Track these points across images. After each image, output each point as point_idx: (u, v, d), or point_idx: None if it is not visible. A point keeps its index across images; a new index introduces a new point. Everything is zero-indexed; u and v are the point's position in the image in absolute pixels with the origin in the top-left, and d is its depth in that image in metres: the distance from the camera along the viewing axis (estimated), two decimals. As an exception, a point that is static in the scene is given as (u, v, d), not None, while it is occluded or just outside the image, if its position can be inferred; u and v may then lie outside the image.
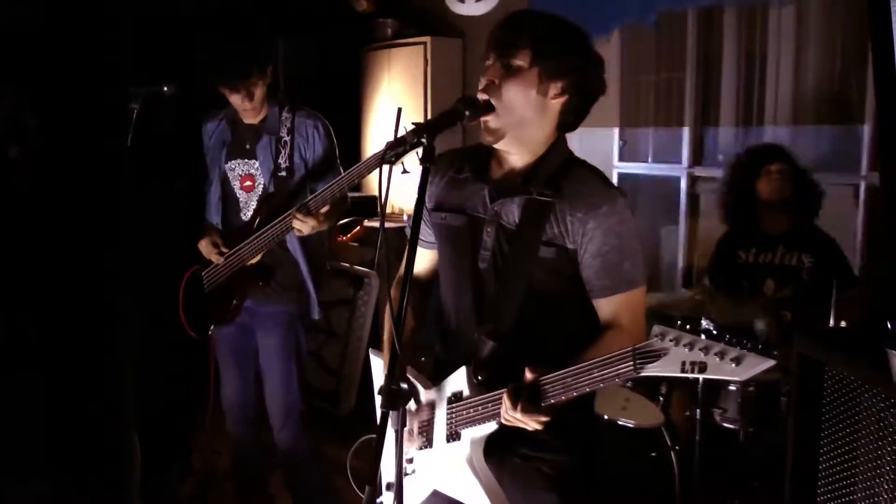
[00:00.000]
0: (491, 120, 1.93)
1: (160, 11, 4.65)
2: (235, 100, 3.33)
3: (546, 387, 1.79)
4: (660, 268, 5.20)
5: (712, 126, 4.86)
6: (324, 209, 3.12)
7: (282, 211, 3.19)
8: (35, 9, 2.18)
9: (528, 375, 1.82)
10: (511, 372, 1.86)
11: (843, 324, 3.12)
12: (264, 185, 3.36)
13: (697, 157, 4.88)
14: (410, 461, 2.09)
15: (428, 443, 2.05)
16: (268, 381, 3.51)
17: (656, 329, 1.60)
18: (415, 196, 1.81)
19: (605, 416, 3.41)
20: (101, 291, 2.30)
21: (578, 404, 1.94)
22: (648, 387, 3.61)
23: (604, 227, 1.91)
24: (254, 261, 3.32)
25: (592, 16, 4.58)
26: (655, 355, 1.59)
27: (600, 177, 2.01)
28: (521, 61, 1.92)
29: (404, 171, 5.19)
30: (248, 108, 3.34)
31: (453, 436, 1.98)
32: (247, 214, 3.40)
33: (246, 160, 3.42)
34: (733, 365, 1.48)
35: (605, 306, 1.96)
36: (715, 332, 3.12)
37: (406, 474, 2.08)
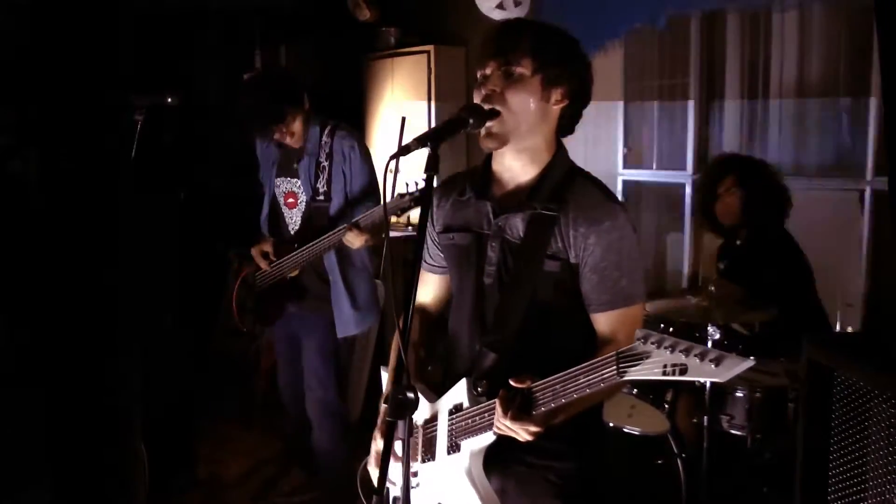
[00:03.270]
0: (495, 125, 1.92)
1: (161, 15, 4.67)
2: (279, 137, 3.56)
3: (537, 394, 1.78)
4: (665, 275, 5.19)
5: (716, 131, 4.86)
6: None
7: (321, 233, 3.46)
8: (35, 21, 2.18)
9: (515, 384, 1.81)
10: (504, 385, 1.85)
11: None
12: (306, 202, 3.61)
13: (702, 164, 4.87)
14: (415, 475, 2.09)
15: (431, 456, 2.05)
16: (307, 382, 3.75)
17: (639, 333, 1.60)
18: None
19: (611, 424, 3.40)
20: (104, 302, 2.30)
21: (584, 412, 1.94)
22: (654, 394, 3.60)
23: (604, 242, 1.91)
24: (293, 274, 3.61)
25: (602, 20, 4.58)
26: (638, 359, 1.59)
27: (602, 190, 2.01)
28: (523, 69, 1.93)
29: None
30: (289, 141, 3.58)
31: (453, 448, 1.98)
32: (292, 229, 3.68)
33: (289, 178, 3.67)
34: (713, 366, 1.48)
35: (602, 321, 1.96)
36: (718, 337, 3.14)
37: (411, 488, 2.08)
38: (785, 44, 4.44)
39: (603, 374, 1.66)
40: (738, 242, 3.88)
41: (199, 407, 4.75)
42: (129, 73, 2.44)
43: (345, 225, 3.38)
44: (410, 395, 1.67)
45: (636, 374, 1.59)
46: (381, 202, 3.36)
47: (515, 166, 2.03)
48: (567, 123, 2.04)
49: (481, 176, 2.11)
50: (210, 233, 5.02)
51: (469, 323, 2.09)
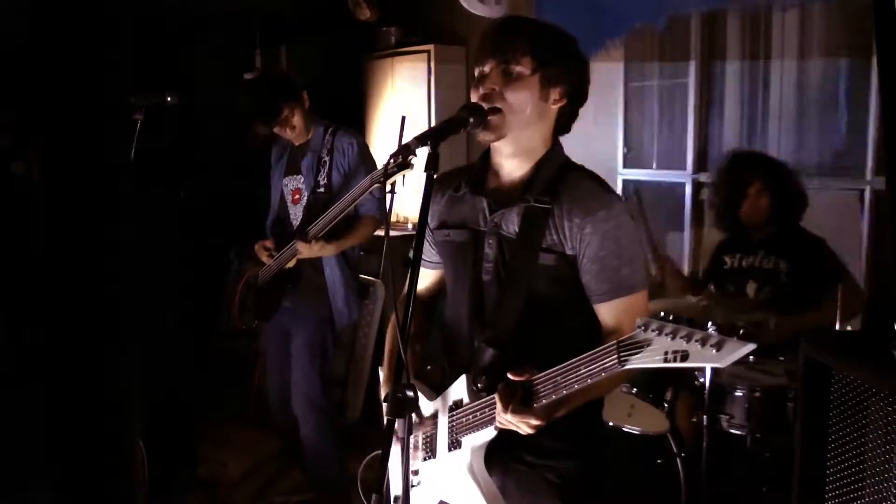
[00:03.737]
0: (493, 118, 1.92)
1: (161, 17, 4.68)
2: (279, 131, 3.79)
3: (537, 386, 1.78)
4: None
5: (716, 131, 4.86)
6: (321, 238, 3.58)
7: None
8: (34, 20, 2.18)
9: (514, 377, 1.81)
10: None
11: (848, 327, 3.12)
12: (307, 195, 3.79)
13: (702, 164, 4.88)
14: (416, 473, 2.09)
15: (431, 453, 2.05)
16: (293, 376, 3.80)
17: (639, 321, 1.59)
18: (419, 203, 1.81)
19: (610, 423, 3.40)
20: (104, 302, 2.30)
21: (584, 411, 1.94)
22: (654, 393, 3.60)
23: (601, 231, 1.91)
24: (290, 265, 3.74)
25: (602, 20, 4.58)
26: (639, 347, 1.58)
27: (597, 181, 2.01)
28: (522, 68, 1.92)
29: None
30: (291, 135, 3.80)
31: (454, 444, 1.98)
32: (295, 223, 3.83)
33: (295, 176, 3.87)
34: (714, 351, 1.46)
35: (605, 311, 1.96)
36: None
37: (412, 486, 2.08)
38: (785, 43, 4.44)
39: (604, 364, 1.65)
40: (751, 238, 3.85)
41: (200, 406, 4.75)
42: (129, 72, 2.44)
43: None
44: (410, 392, 1.68)
45: (637, 362, 1.58)
46: (341, 205, 3.51)
47: (511, 163, 2.03)
48: (564, 122, 2.04)
49: (477, 172, 2.11)
50: (210, 232, 5.03)
51: (467, 319, 2.09)
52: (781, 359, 3.46)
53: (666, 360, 1.53)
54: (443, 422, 2.02)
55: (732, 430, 3.38)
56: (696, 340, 1.49)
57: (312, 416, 3.76)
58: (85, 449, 2.36)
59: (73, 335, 2.30)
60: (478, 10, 5.15)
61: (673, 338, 1.53)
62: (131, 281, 2.37)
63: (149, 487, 3.46)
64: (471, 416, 1.94)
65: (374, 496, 1.68)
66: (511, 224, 1.99)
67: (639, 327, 1.59)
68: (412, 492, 2.06)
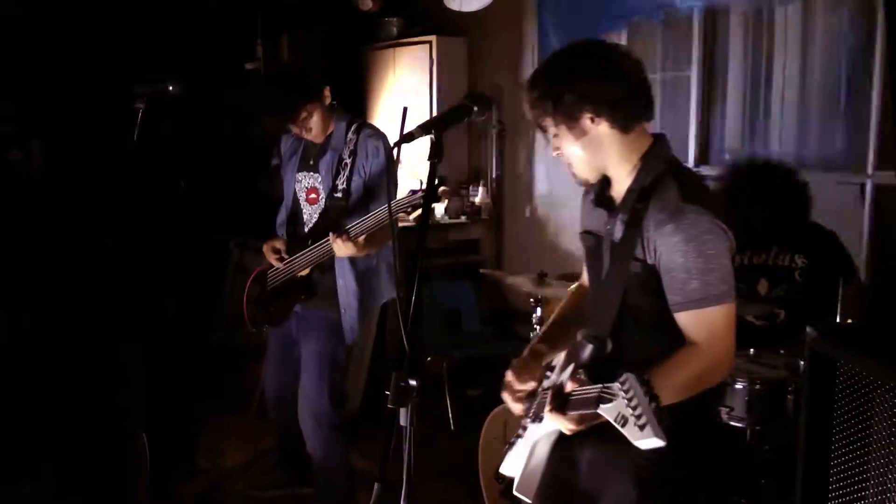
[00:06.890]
0: (574, 171, 2.11)
1: (163, 3, 4.67)
2: (295, 132, 3.51)
3: (574, 397, 1.84)
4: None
5: (718, 125, 4.86)
6: (362, 237, 3.25)
7: (338, 230, 3.29)
8: (36, 10, 2.18)
9: (569, 385, 1.87)
10: (606, 377, 1.84)
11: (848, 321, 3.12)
12: (324, 200, 3.50)
13: (703, 157, 4.88)
14: (525, 428, 2.13)
15: (536, 418, 2.09)
16: (301, 387, 3.57)
17: (623, 375, 1.64)
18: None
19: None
20: (104, 291, 2.30)
21: (697, 406, 2.01)
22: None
23: (668, 244, 1.94)
24: (303, 273, 3.48)
25: (602, 14, 4.58)
26: (609, 399, 1.65)
27: (682, 187, 2.00)
28: (553, 128, 2.04)
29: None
30: (308, 136, 3.50)
31: (538, 418, 2.01)
32: (309, 225, 3.54)
33: (311, 173, 3.56)
34: (638, 430, 1.55)
35: (680, 321, 2.00)
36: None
37: (519, 437, 2.11)
38: (788, 37, 4.44)
39: (588, 406, 1.72)
40: (762, 235, 3.78)
41: (200, 396, 4.75)
42: (130, 61, 2.44)
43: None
44: (413, 382, 1.68)
45: (603, 411, 1.66)
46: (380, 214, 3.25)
47: (617, 174, 2.12)
48: (622, 124, 2.05)
49: (602, 181, 2.18)
50: (211, 222, 5.03)
51: (587, 317, 2.21)
52: (782, 352, 3.46)
53: (615, 421, 1.61)
54: (542, 395, 2.06)
55: (732, 423, 3.38)
56: (634, 414, 1.57)
57: (320, 432, 3.53)
58: (86, 438, 2.36)
59: (73, 325, 2.30)
60: (451, 5, 5.15)
61: (628, 403, 1.59)
62: (132, 271, 2.38)
63: (149, 476, 3.46)
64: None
65: (376, 486, 1.69)
66: (617, 232, 2.06)
67: (619, 381, 1.64)
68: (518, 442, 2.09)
